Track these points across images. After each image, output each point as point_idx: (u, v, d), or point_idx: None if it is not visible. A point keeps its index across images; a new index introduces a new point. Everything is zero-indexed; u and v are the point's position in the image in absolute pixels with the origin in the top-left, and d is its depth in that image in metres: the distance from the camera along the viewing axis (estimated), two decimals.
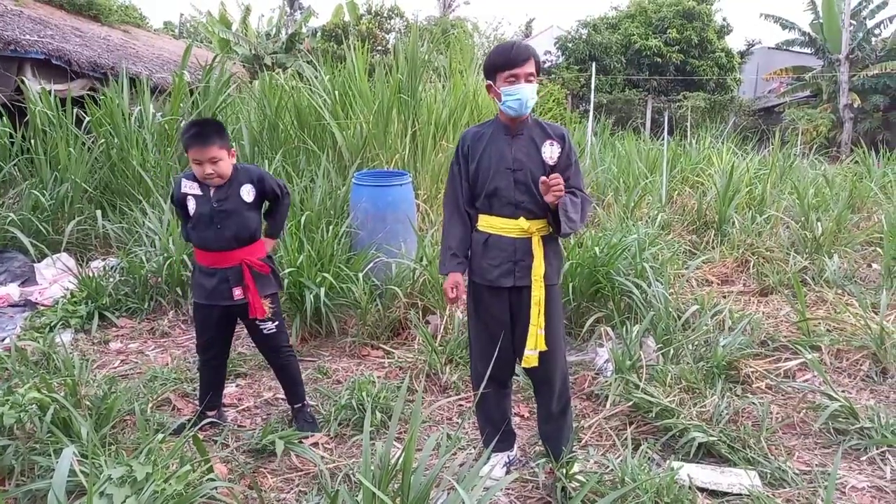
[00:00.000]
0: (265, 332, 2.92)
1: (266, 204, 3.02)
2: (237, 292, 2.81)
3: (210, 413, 3.03)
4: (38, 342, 3.79)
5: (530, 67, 2.37)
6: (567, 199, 2.39)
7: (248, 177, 2.85)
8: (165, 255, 4.62)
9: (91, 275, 4.61)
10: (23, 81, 6.65)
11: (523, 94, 2.37)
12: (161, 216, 5.06)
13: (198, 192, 2.82)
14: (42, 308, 4.49)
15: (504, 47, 2.46)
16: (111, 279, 4.67)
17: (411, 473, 2.04)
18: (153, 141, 6.18)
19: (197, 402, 3.34)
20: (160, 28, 22.24)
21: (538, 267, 2.44)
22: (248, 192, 2.83)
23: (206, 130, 2.71)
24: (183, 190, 2.85)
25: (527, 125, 2.49)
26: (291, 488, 2.61)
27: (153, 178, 5.79)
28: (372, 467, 2.10)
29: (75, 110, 6.27)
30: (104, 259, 5.25)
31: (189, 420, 2.99)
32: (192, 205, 2.82)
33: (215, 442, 2.91)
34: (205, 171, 2.72)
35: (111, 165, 6.06)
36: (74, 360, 3.29)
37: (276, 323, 2.93)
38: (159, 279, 4.62)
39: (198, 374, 3.57)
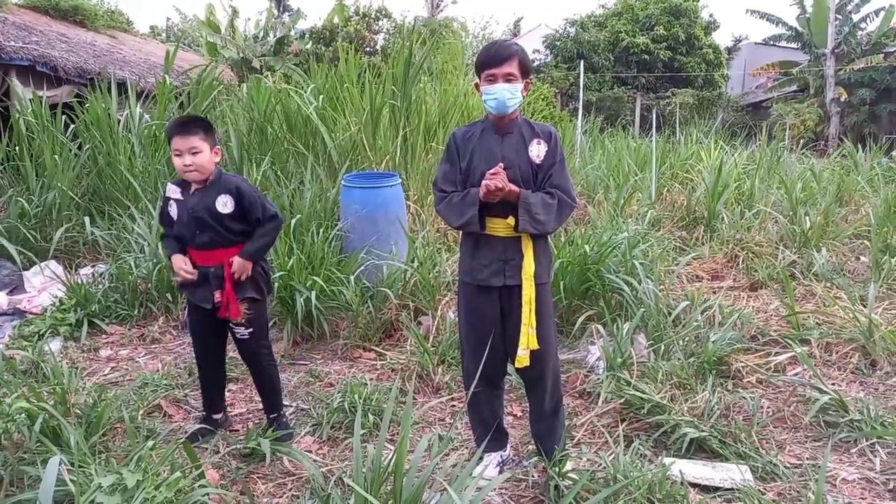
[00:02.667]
0: (238, 336, 2.90)
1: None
2: (218, 296, 2.79)
3: (216, 416, 3.05)
4: (27, 351, 3.76)
5: (510, 68, 2.38)
6: (539, 197, 2.39)
7: (227, 187, 2.77)
8: (155, 260, 4.60)
9: (80, 282, 4.58)
10: (8, 87, 6.60)
11: (500, 94, 2.38)
12: (150, 222, 5.03)
13: (179, 196, 2.80)
14: (31, 316, 4.46)
15: (486, 47, 2.49)
16: (100, 286, 4.64)
17: (403, 475, 2.04)
18: (140, 146, 6.15)
19: (188, 408, 3.34)
20: (146, 33, 22.11)
21: (528, 266, 2.44)
22: (224, 204, 2.75)
23: (190, 121, 2.74)
24: (167, 194, 2.84)
25: (516, 124, 2.50)
26: (284, 493, 2.60)
27: (141, 184, 5.76)
28: (364, 470, 2.10)
29: (63, 117, 6.23)
30: (93, 266, 5.21)
31: (200, 426, 3.01)
32: (173, 210, 2.82)
33: (205, 449, 2.89)
34: (184, 161, 2.67)
35: (98, 171, 6.03)
36: (63, 369, 3.27)
37: (251, 330, 2.88)
38: (149, 285, 4.60)
39: (190, 379, 3.59)
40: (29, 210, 5.53)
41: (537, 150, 2.46)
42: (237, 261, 2.77)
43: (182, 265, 2.78)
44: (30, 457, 2.47)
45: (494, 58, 2.39)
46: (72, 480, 2.10)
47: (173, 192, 2.82)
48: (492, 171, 2.34)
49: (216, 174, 2.80)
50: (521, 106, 2.53)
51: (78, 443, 2.42)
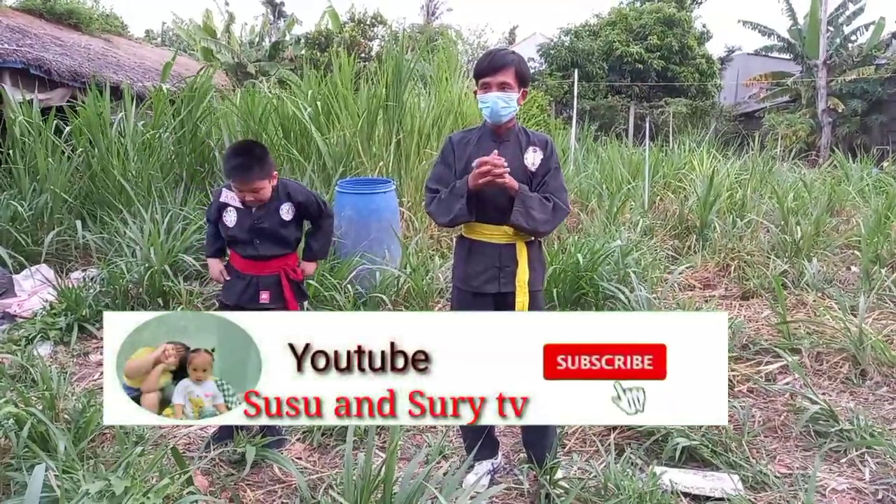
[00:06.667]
0: None
1: (307, 224, 3.00)
2: (264, 296, 2.80)
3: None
4: (16, 355, 3.73)
5: (504, 77, 2.38)
6: (536, 196, 2.40)
7: (288, 195, 2.83)
8: (147, 265, 4.58)
9: (71, 286, 4.56)
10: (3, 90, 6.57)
11: (493, 103, 2.39)
12: (142, 226, 5.01)
13: (238, 204, 2.80)
14: (20, 320, 4.43)
15: (483, 55, 2.50)
16: (91, 290, 4.61)
17: (393, 484, 2.04)
18: (134, 150, 6.13)
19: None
20: (142, 37, 22.10)
21: (522, 273, 2.44)
22: (287, 211, 2.81)
23: (248, 163, 2.67)
24: (223, 199, 2.83)
25: (513, 132, 2.51)
26: (274, 500, 2.58)
27: (134, 188, 5.74)
28: (354, 478, 2.09)
29: (56, 121, 6.21)
30: (84, 270, 5.19)
31: (223, 427, 2.95)
32: (231, 217, 2.80)
33: (192, 458, 2.87)
34: (245, 198, 2.74)
35: (91, 175, 6.01)
36: (52, 373, 3.24)
37: None
38: (140, 289, 4.58)
39: None
40: (21, 213, 5.50)
41: (532, 158, 2.47)
42: (310, 266, 2.98)
43: (218, 272, 2.94)
44: (17, 462, 2.45)
45: (490, 66, 2.39)
46: (59, 486, 2.08)
47: (232, 198, 2.81)
48: (482, 160, 2.33)
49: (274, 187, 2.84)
50: (517, 114, 2.54)
51: (66, 448, 2.40)
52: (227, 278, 2.89)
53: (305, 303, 3.06)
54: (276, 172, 2.81)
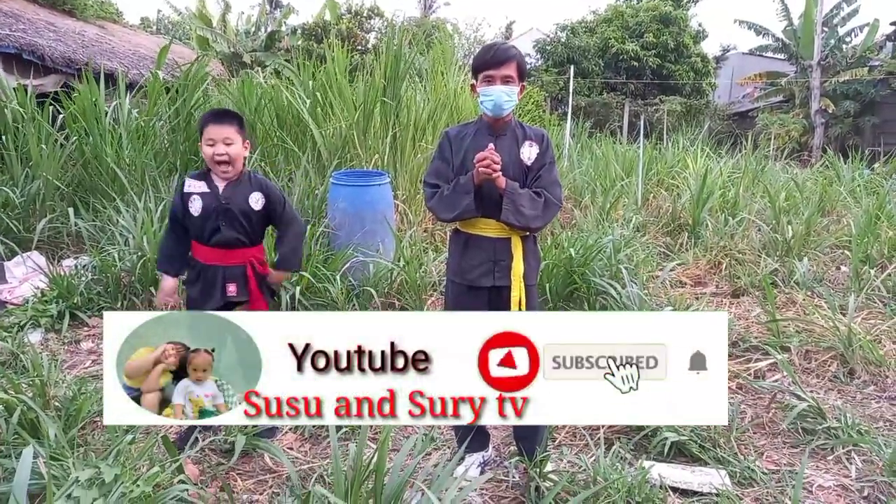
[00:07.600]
0: None
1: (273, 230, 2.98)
2: (231, 288, 2.75)
3: None
4: (7, 342, 3.71)
5: (508, 70, 2.39)
6: (526, 192, 2.41)
7: (261, 186, 2.82)
8: (139, 253, 4.56)
9: (62, 273, 4.54)
10: None
11: (497, 96, 2.39)
12: (135, 214, 4.99)
13: (205, 189, 2.75)
14: (11, 307, 4.41)
15: (485, 48, 2.49)
16: (83, 278, 4.59)
17: (384, 474, 2.04)
18: (128, 138, 6.09)
19: None
20: (137, 24, 21.92)
21: (517, 267, 2.46)
22: (256, 200, 2.79)
23: (225, 113, 2.77)
24: (186, 189, 2.76)
25: (510, 126, 2.52)
26: (264, 490, 2.59)
27: (128, 176, 5.71)
28: (345, 469, 2.10)
29: (51, 108, 6.16)
30: (76, 257, 5.16)
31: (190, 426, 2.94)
32: (196, 205, 2.73)
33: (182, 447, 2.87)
34: (216, 150, 2.67)
35: (84, 162, 5.96)
36: (43, 361, 3.23)
37: None
38: (132, 277, 4.56)
39: None
40: (13, 199, 5.46)
41: (528, 153, 2.48)
42: (278, 274, 2.90)
43: (166, 299, 2.82)
44: (6, 449, 2.44)
45: (493, 59, 2.40)
46: (48, 473, 2.08)
47: (197, 186, 2.77)
48: (483, 154, 2.34)
49: (246, 172, 2.82)
50: (514, 109, 2.54)
51: (56, 436, 2.40)
52: (171, 308, 2.77)
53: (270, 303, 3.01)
54: (248, 143, 2.82)
